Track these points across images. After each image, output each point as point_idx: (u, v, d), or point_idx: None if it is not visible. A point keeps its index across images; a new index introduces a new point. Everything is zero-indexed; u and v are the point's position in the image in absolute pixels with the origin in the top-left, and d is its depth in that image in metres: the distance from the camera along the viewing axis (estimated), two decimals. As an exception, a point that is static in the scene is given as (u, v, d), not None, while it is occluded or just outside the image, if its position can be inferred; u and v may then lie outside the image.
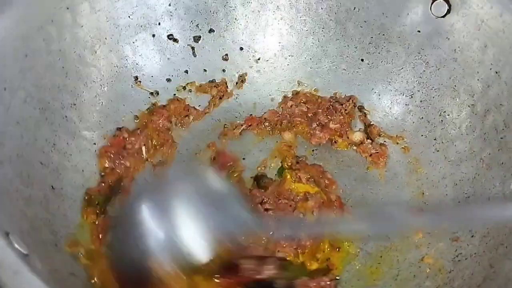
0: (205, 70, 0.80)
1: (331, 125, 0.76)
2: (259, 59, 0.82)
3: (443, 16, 0.71)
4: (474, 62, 0.69)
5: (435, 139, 0.72)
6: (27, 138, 0.60)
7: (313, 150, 0.76)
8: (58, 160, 0.64)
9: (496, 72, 0.67)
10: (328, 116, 0.76)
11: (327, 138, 0.76)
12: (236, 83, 0.82)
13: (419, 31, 0.74)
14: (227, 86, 0.81)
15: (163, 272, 0.47)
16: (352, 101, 0.78)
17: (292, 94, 0.81)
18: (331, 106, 0.77)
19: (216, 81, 0.81)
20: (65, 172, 0.64)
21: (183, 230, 0.48)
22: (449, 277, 0.59)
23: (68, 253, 0.55)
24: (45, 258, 0.49)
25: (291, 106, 0.79)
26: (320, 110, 0.77)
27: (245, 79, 0.82)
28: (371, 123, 0.77)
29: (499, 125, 0.65)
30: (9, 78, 0.59)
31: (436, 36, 0.73)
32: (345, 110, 0.77)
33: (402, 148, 0.75)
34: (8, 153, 0.55)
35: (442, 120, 0.73)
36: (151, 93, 0.77)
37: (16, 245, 0.45)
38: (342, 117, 0.76)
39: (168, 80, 0.79)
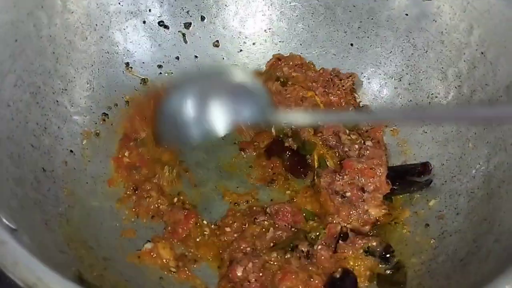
0: (196, 57, 0.81)
1: (331, 97, 0.77)
2: (250, 44, 0.82)
3: (430, -1, 0.72)
4: (461, 43, 0.70)
5: (423, 121, 0.73)
6: (18, 121, 0.61)
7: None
8: (49, 143, 0.64)
9: (482, 53, 0.67)
10: (326, 89, 0.77)
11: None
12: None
13: (407, 14, 0.75)
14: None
15: None
16: (352, 79, 0.78)
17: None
18: (330, 80, 0.78)
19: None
20: (56, 155, 0.65)
21: (210, 112, 0.60)
22: (434, 253, 0.60)
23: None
24: (34, 235, 0.50)
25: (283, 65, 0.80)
26: (321, 79, 0.78)
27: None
28: (361, 106, 0.78)
29: (485, 105, 0.66)
30: (-1, 62, 0.60)
31: (423, 18, 0.73)
32: (343, 86, 0.77)
33: (391, 130, 0.75)
34: (-2, 134, 0.56)
35: (430, 102, 0.73)
36: (143, 79, 0.78)
37: (5, 220, 0.45)
38: (339, 91, 0.77)
39: (160, 66, 0.79)
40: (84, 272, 0.53)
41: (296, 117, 0.65)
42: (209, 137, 0.61)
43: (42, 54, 0.66)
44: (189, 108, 0.61)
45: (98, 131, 0.72)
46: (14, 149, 0.58)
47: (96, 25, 0.73)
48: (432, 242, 0.62)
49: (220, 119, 0.60)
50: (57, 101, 0.68)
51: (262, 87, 0.65)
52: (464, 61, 0.69)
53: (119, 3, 0.75)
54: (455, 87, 0.70)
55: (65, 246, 0.55)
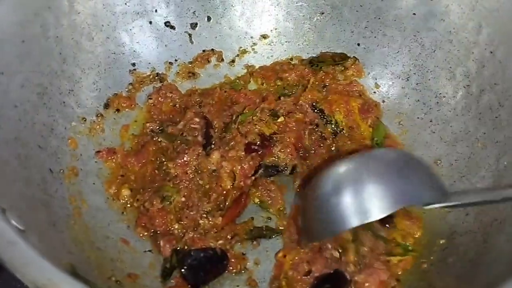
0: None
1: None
2: (256, 45, 0.82)
3: (438, -2, 0.71)
4: (469, 42, 0.69)
5: (431, 121, 0.73)
6: (25, 122, 0.60)
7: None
8: (56, 144, 0.64)
9: (491, 52, 0.67)
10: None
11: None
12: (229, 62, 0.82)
13: (414, 14, 0.75)
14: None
15: None
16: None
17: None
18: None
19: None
20: (63, 156, 0.65)
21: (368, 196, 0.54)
22: (444, 254, 0.60)
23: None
24: (42, 236, 0.50)
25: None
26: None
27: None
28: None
29: (494, 105, 0.65)
30: (6, 62, 0.59)
31: (431, 18, 0.73)
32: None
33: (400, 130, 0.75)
34: (4, 135, 0.56)
35: (438, 102, 0.73)
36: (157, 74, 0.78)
37: (13, 222, 0.45)
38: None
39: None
40: (92, 273, 0.53)
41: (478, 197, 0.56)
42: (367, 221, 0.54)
43: (49, 55, 0.66)
44: (346, 196, 0.54)
45: (104, 132, 0.71)
46: (21, 150, 0.58)
47: (103, 25, 0.73)
48: (441, 242, 0.61)
49: (380, 200, 0.53)
50: (64, 102, 0.68)
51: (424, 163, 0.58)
52: (473, 60, 0.69)
53: (126, 4, 0.75)
54: (464, 87, 0.70)
55: (73, 247, 0.55)
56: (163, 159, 0.70)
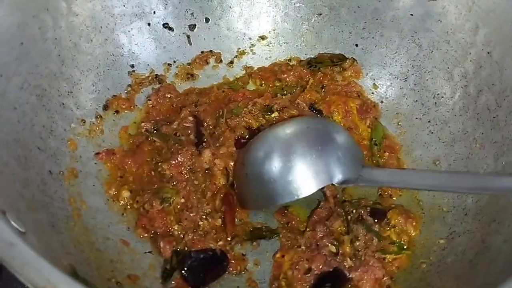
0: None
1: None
2: (254, 46, 0.82)
3: (435, -1, 0.72)
4: (466, 43, 0.70)
5: (429, 121, 0.73)
6: (24, 124, 0.60)
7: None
8: (55, 145, 0.64)
9: (488, 53, 0.67)
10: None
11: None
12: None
13: (411, 15, 0.75)
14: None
15: None
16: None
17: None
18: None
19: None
20: (62, 158, 0.65)
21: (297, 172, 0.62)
22: (443, 254, 0.60)
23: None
24: (42, 237, 0.50)
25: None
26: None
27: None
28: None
29: (491, 105, 0.66)
30: (4, 64, 0.59)
31: (428, 19, 0.73)
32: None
33: (400, 132, 0.75)
34: (4, 137, 0.56)
35: (436, 102, 0.73)
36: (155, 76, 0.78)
37: (13, 223, 0.45)
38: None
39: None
40: (92, 274, 0.53)
41: (393, 177, 0.64)
42: (295, 198, 0.61)
43: (47, 57, 0.66)
44: (275, 167, 0.62)
45: (103, 133, 0.71)
46: (21, 151, 0.58)
47: (101, 27, 0.73)
48: (441, 242, 0.62)
49: (308, 179, 0.61)
50: (63, 104, 0.68)
51: (351, 137, 0.66)
52: (470, 61, 0.69)
53: (124, 6, 0.75)
54: (461, 87, 0.70)
55: (73, 248, 0.55)
56: (159, 160, 0.70)
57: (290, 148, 0.62)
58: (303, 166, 0.62)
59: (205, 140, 0.71)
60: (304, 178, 0.62)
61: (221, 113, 0.75)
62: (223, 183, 0.69)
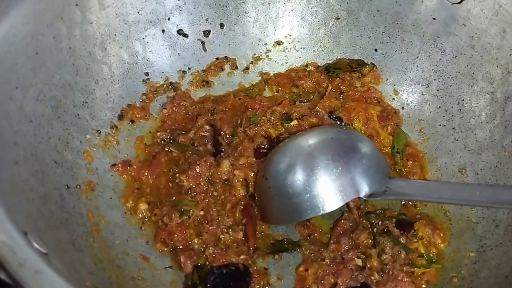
0: (215, 65, 0.79)
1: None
2: (270, 51, 0.81)
3: (459, 2, 0.70)
4: (493, 48, 0.68)
5: (453, 128, 0.71)
6: (40, 137, 0.59)
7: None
8: (71, 158, 0.63)
9: (516, 58, 0.65)
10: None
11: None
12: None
13: (434, 19, 0.73)
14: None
15: None
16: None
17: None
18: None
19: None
20: (79, 171, 0.63)
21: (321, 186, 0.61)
22: (475, 268, 0.58)
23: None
24: (63, 257, 0.48)
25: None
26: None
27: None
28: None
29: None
30: (20, 76, 0.58)
31: (452, 23, 0.71)
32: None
33: (422, 139, 0.73)
34: (22, 152, 0.55)
35: (460, 109, 0.71)
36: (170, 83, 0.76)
37: (35, 244, 0.44)
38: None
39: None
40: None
41: (422, 190, 0.63)
42: (321, 212, 0.60)
43: (62, 67, 0.64)
44: (299, 180, 0.60)
45: (119, 144, 0.70)
46: (37, 166, 0.56)
47: (115, 35, 0.72)
48: (471, 255, 0.60)
49: (334, 193, 0.59)
50: (78, 115, 0.66)
51: (376, 148, 0.65)
52: (497, 66, 0.67)
53: (138, 12, 0.73)
54: (487, 93, 0.68)
55: (94, 267, 0.54)
56: (176, 170, 0.68)
57: (314, 161, 0.61)
58: (328, 179, 0.60)
59: (222, 150, 0.70)
60: (329, 192, 0.60)
61: (238, 122, 0.73)
62: (243, 194, 0.67)
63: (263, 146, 0.70)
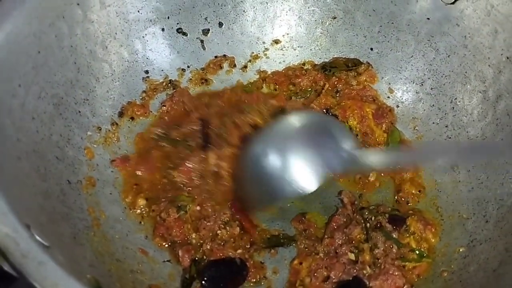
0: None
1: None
2: (268, 50, 0.82)
3: (453, 3, 0.71)
4: (485, 48, 0.69)
5: (446, 126, 0.73)
6: (43, 133, 0.60)
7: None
8: (72, 154, 0.64)
9: (507, 58, 0.66)
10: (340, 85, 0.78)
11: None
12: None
13: (428, 18, 0.74)
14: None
15: None
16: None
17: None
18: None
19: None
20: (80, 166, 0.64)
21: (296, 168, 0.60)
22: (464, 262, 0.60)
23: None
24: (65, 250, 0.50)
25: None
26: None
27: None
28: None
29: (511, 110, 0.65)
30: (23, 74, 0.59)
31: (446, 23, 0.73)
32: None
33: (416, 137, 0.75)
34: (24, 148, 0.56)
35: (453, 107, 0.73)
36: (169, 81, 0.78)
37: (38, 238, 0.45)
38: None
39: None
40: (114, 286, 0.53)
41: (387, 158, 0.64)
42: (301, 193, 0.60)
43: (64, 65, 0.66)
44: (273, 164, 0.60)
45: (119, 140, 0.71)
46: (40, 162, 0.58)
47: (116, 33, 0.73)
48: (461, 250, 0.61)
49: (309, 173, 0.59)
50: (79, 112, 0.68)
51: (342, 125, 0.67)
52: (489, 65, 0.69)
53: (138, 11, 0.75)
54: (480, 92, 0.70)
55: (94, 260, 0.55)
56: (170, 165, 0.69)
57: (286, 144, 0.61)
58: (300, 161, 0.60)
59: (211, 141, 0.70)
60: (303, 172, 0.60)
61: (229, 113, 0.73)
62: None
63: (248, 134, 0.69)
